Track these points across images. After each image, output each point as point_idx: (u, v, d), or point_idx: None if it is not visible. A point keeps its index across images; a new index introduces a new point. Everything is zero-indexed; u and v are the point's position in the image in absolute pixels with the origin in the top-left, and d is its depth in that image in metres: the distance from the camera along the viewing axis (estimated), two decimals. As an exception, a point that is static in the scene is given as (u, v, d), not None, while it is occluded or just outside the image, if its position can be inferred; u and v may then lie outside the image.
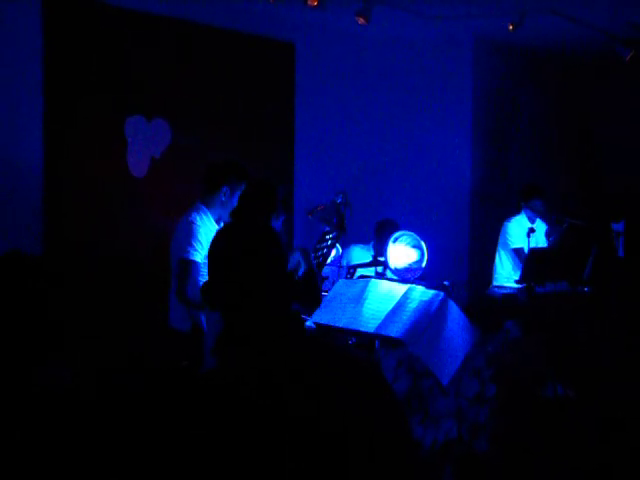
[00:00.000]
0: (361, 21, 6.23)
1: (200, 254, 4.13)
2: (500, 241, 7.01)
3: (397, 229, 4.33)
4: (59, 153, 5.68)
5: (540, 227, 6.92)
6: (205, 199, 4.32)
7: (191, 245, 4.12)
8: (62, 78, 5.67)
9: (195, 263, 4.10)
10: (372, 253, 5.91)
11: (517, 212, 7.00)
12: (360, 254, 5.93)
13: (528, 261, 6.30)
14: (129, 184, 6.10)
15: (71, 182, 5.75)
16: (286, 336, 1.69)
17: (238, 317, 1.71)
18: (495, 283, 7.00)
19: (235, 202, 4.16)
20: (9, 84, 5.42)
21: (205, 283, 1.75)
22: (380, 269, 4.54)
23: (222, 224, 4.29)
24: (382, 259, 4.34)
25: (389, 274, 4.32)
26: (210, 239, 4.21)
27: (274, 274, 1.74)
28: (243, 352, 1.68)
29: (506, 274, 6.93)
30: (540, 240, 6.88)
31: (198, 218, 4.23)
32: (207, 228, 4.23)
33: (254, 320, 1.70)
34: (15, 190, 5.45)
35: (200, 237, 4.16)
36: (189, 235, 4.15)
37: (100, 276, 5.66)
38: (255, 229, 1.81)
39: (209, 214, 4.29)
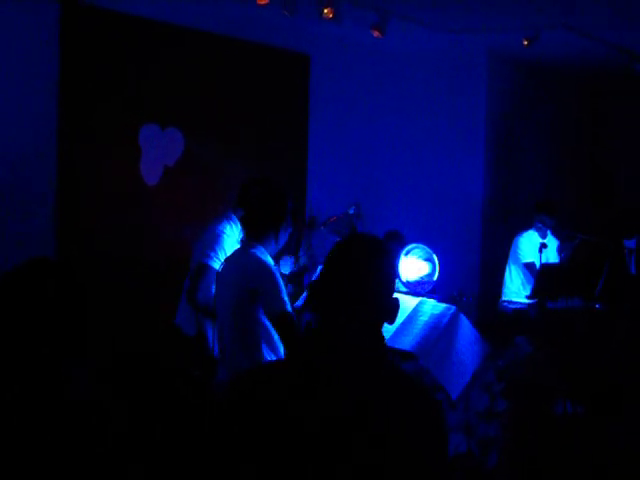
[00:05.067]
0: (376, 34, 6.26)
1: (219, 262, 4.11)
2: (511, 255, 7.00)
3: (403, 241, 4.31)
4: (73, 160, 5.71)
5: (552, 243, 6.91)
6: (237, 212, 4.22)
7: (214, 251, 4.11)
8: (78, 87, 5.71)
9: (212, 269, 4.08)
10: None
11: (529, 227, 6.99)
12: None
13: (540, 277, 6.27)
14: (142, 192, 6.13)
15: (85, 189, 5.78)
16: (377, 350, 1.74)
17: (337, 324, 1.74)
18: (504, 297, 6.98)
19: None
20: (25, 93, 5.46)
21: (314, 281, 1.79)
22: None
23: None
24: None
25: (400, 287, 4.31)
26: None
27: (386, 291, 1.80)
28: (330, 358, 1.70)
29: (515, 289, 6.92)
30: (551, 256, 6.86)
31: (228, 227, 4.22)
32: (235, 237, 4.21)
33: (357, 329, 1.74)
34: (29, 197, 5.48)
35: (225, 246, 4.14)
36: (213, 242, 4.14)
37: (112, 281, 5.67)
38: (379, 246, 1.86)
39: (239, 224, 4.25)
